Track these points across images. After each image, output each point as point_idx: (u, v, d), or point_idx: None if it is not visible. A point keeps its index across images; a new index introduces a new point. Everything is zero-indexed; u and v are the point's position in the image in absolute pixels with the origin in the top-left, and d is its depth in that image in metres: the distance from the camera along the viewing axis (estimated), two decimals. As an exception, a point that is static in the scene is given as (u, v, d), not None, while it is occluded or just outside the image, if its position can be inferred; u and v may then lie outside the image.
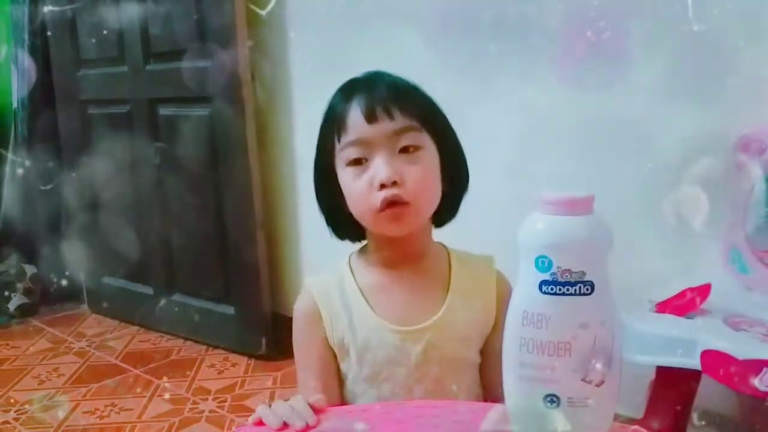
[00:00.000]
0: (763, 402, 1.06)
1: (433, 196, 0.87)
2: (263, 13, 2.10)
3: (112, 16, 2.40)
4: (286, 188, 2.25)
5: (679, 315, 1.21)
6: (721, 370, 1.09)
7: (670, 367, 1.18)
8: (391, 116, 0.83)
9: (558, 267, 0.55)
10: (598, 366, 0.56)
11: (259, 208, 2.23)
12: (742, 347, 1.08)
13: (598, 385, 0.56)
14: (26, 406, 2.00)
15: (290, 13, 2.11)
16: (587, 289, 0.55)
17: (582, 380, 0.56)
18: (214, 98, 2.19)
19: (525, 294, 0.57)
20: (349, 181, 0.85)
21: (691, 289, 1.23)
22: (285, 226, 2.29)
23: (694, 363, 1.12)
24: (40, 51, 2.72)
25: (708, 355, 1.10)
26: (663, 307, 1.24)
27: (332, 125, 0.87)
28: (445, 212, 0.91)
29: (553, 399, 0.56)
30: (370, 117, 0.83)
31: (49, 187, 2.70)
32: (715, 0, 1.31)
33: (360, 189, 0.84)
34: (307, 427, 0.69)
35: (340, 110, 0.86)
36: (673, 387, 1.25)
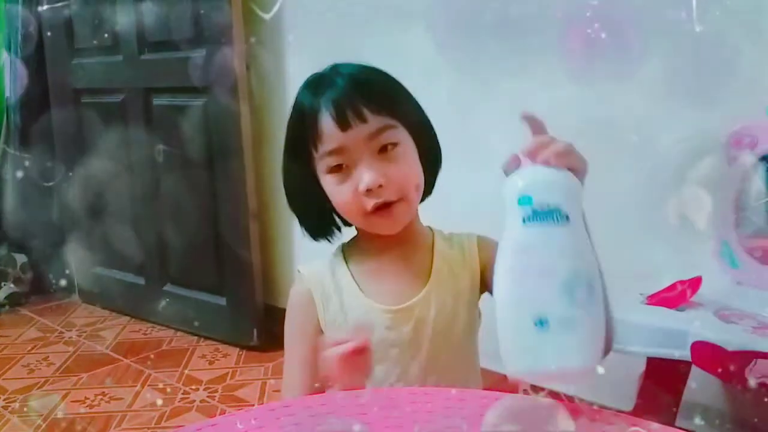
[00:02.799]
0: (752, 393, 1.07)
1: (419, 187, 0.88)
2: (267, 17, 2.10)
3: (107, 6, 2.39)
4: (279, 180, 2.23)
5: (669, 307, 1.22)
6: (711, 362, 1.10)
7: (661, 359, 1.19)
8: (364, 119, 0.83)
9: (537, 202, 0.62)
10: (581, 290, 0.61)
11: (252, 199, 2.22)
12: (731, 339, 1.08)
13: (582, 309, 0.61)
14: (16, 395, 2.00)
15: (288, 7, 2.10)
16: (564, 219, 0.61)
17: (567, 304, 0.60)
18: (210, 89, 2.18)
19: (511, 230, 0.63)
20: (333, 187, 0.86)
21: (682, 282, 1.24)
22: (278, 218, 2.29)
23: (685, 354, 1.13)
24: (35, 40, 2.71)
25: (698, 347, 1.11)
26: (654, 299, 1.25)
27: (305, 132, 0.87)
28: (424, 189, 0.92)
29: (542, 321, 0.60)
30: (344, 125, 0.83)
31: (40, 176, 2.69)
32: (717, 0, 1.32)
33: (346, 196, 0.85)
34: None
35: (310, 115, 0.86)
36: (663, 378, 1.26)
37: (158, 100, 2.36)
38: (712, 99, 1.35)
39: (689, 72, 1.39)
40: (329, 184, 0.86)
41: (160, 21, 2.24)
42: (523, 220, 0.62)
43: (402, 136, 0.86)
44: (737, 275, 1.33)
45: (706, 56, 1.36)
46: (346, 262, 0.94)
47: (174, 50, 2.22)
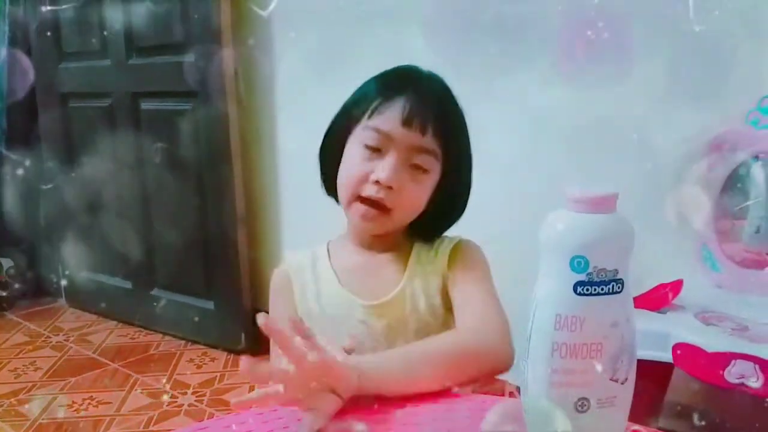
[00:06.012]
0: (731, 393, 1.09)
1: (414, 213, 0.91)
2: (264, 14, 2.11)
3: (95, 10, 2.39)
4: (268, 184, 2.25)
5: (652, 310, 1.24)
6: (692, 363, 1.12)
7: (643, 360, 1.20)
8: (423, 132, 0.86)
9: (594, 267, 0.53)
10: (625, 363, 0.55)
11: (240, 203, 2.23)
12: (711, 341, 1.11)
13: (623, 383, 0.56)
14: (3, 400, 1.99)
15: (278, 11, 2.11)
16: (619, 288, 0.54)
17: (610, 379, 0.55)
18: (198, 93, 2.19)
19: (557, 297, 0.55)
20: (354, 158, 0.89)
21: (664, 285, 1.26)
22: (266, 222, 2.30)
23: (666, 356, 1.15)
24: (22, 43, 2.69)
25: (679, 349, 1.13)
26: (637, 302, 1.26)
27: (370, 101, 0.89)
28: (426, 228, 0.94)
29: (584, 403, 0.55)
30: (406, 122, 0.86)
31: (27, 180, 2.68)
32: (715, 0, 1.34)
33: (357, 172, 0.88)
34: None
35: (384, 95, 0.88)
36: (645, 380, 1.27)
37: (146, 105, 2.36)
38: (708, 100, 1.36)
39: (687, 73, 1.41)
40: (354, 152, 0.89)
41: (149, 25, 2.24)
42: (575, 289, 0.54)
43: (434, 168, 0.89)
44: (718, 279, 1.35)
45: (705, 57, 1.37)
46: (329, 253, 0.97)
47: (162, 54, 2.23)
